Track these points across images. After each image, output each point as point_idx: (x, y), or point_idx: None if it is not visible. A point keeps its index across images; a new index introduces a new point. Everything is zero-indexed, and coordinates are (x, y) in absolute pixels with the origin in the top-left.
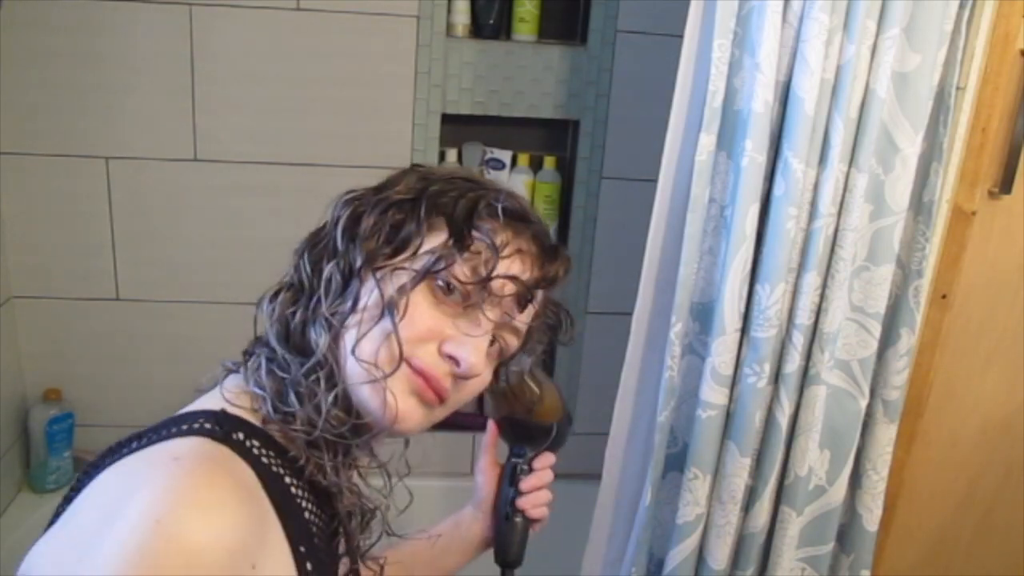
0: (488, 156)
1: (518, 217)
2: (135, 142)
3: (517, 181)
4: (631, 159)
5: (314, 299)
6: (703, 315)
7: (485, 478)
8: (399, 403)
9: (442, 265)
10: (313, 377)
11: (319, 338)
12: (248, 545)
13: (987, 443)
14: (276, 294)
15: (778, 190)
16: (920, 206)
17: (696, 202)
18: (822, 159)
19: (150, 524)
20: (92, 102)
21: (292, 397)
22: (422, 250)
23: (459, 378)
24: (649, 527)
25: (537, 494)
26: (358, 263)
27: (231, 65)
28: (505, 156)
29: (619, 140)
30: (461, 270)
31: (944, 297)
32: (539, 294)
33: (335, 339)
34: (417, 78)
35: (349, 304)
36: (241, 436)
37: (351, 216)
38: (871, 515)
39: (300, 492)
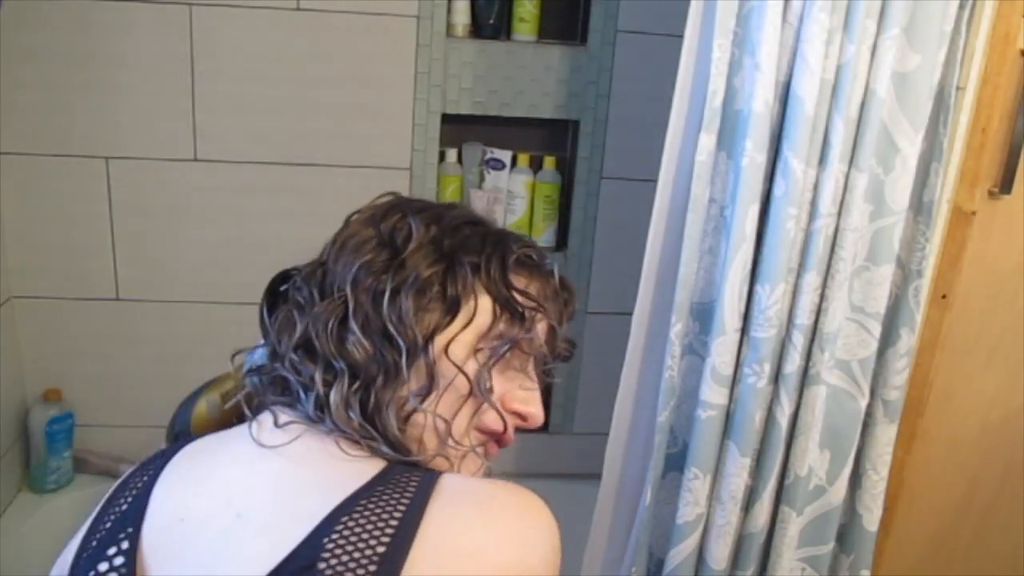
0: (488, 156)
1: (539, 263)
2: (135, 142)
3: (517, 181)
4: (631, 159)
5: (375, 383)
6: (703, 315)
7: None
8: (473, 465)
9: (521, 344)
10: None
11: (391, 427)
12: None
13: (987, 443)
14: (341, 384)
15: (778, 190)
16: (920, 206)
17: (696, 202)
18: (822, 159)
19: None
20: (92, 102)
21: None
22: (478, 315)
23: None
24: (649, 527)
25: None
26: (420, 340)
27: (231, 65)
28: (505, 156)
29: (619, 140)
30: (526, 340)
31: (944, 297)
32: None
33: (406, 421)
34: (417, 78)
35: (419, 384)
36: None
37: (379, 290)
38: (871, 515)
39: None
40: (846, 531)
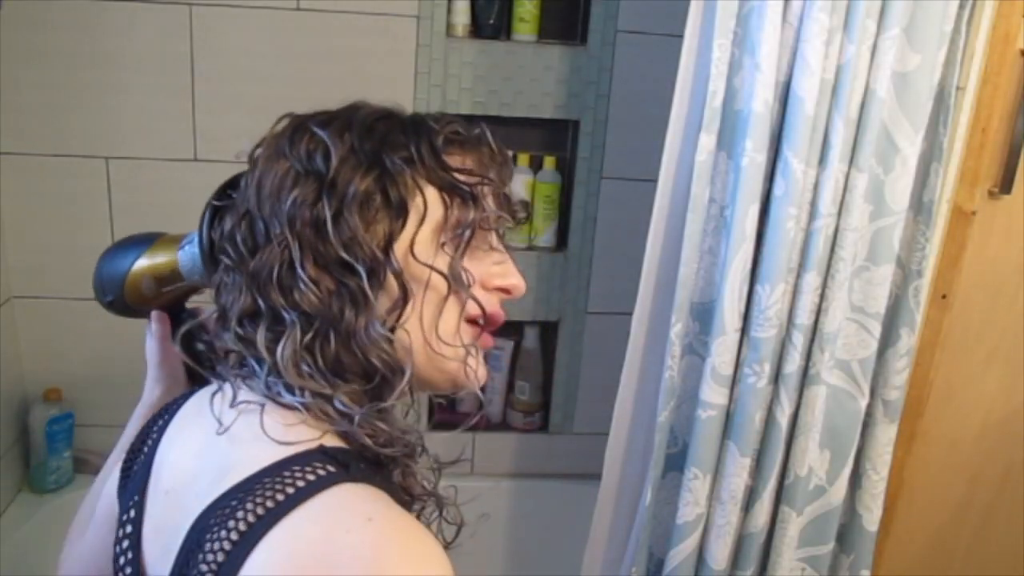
0: None
1: (466, 136)
2: (135, 142)
3: (517, 181)
4: (631, 159)
5: (343, 319)
6: (703, 315)
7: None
8: (480, 366)
9: (480, 223)
10: (388, 392)
11: (376, 352)
12: None
13: (987, 443)
14: (292, 339)
15: (778, 190)
16: (920, 206)
17: (696, 202)
18: (822, 159)
19: None
20: (92, 102)
21: (382, 424)
22: (430, 209)
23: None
24: (649, 527)
25: None
26: (379, 255)
27: (231, 65)
28: None
29: (619, 140)
30: (484, 218)
31: (944, 297)
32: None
33: (391, 343)
34: (417, 78)
35: (392, 301)
36: (360, 466)
37: (320, 220)
38: (871, 515)
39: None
40: (846, 531)
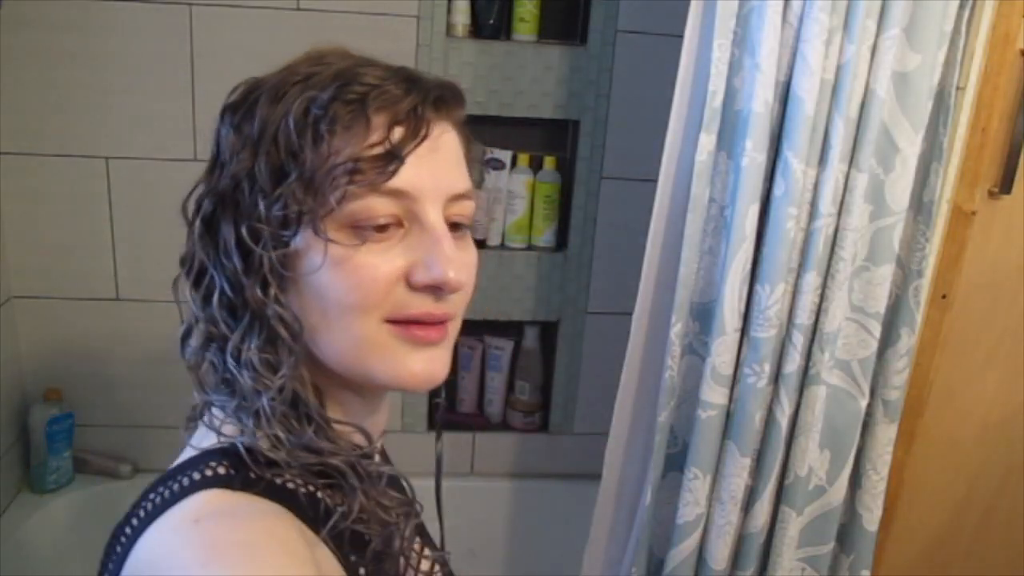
0: (488, 156)
1: (352, 92)
2: (135, 142)
3: (517, 181)
4: (631, 159)
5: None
6: (703, 315)
7: None
8: (413, 366)
9: (328, 203)
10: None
11: (249, 382)
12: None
13: (987, 443)
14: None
15: (778, 190)
16: (920, 206)
17: (696, 202)
18: (822, 159)
19: None
20: (92, 102)
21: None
22: (268, 213)
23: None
24: (649, 527)
25: None
26: (239, 273)
27: (231, 65)
28: (505, 156)
29: (619, 140)
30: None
31: (944, 297)
32: (430, 121)
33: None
34: None
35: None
36: (259, 471)
37: (197, 219)
38: (871, 515)
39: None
40: (846, 531)
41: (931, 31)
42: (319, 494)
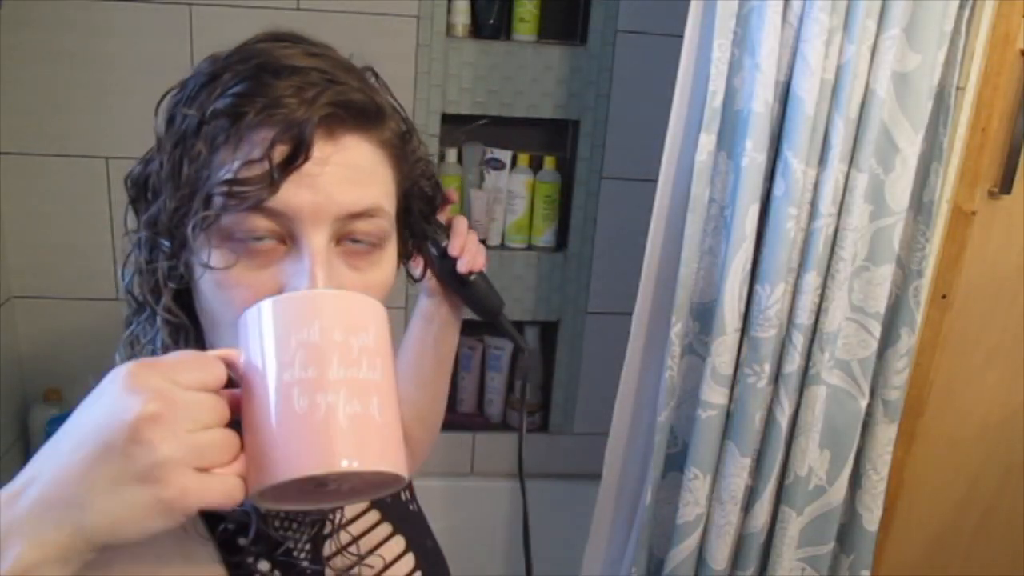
0: (488, 156)
1: (246, 104)
2: (135, 142)
3: (517, 181)
4: (631, 159)
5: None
6: (703, 315)
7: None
8: None
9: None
10: None
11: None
12: None
13: (987, 443)
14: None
15: (778, 190)
16: (920, 206)
17: (696, 202)
18: (822, 159)
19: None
20: (92, 102)
21: None
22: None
23: None
24: (649, 527)
25: (469, 248)
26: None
27: None
28: (505, 156)
29: (619, 140)
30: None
31: (944, 297)
32: (312, 143)
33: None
34: (417, 78)
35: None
36: None
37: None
38: (871, 515)
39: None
40: (846, 531)
41: (931, 31)
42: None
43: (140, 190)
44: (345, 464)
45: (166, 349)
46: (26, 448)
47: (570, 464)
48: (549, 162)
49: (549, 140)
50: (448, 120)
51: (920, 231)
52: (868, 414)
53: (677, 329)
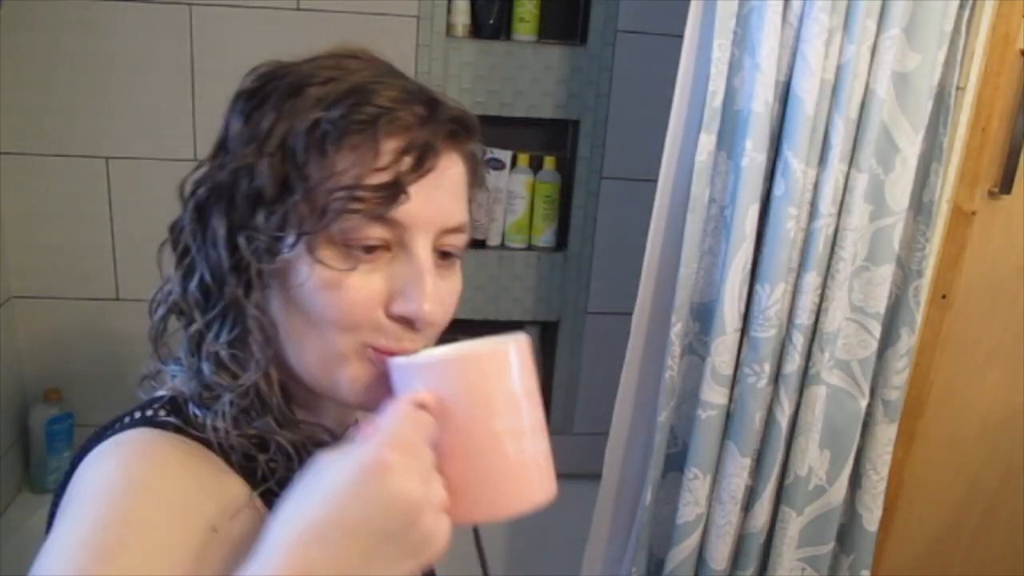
0: (488, 156)
1: (364, 111)
2: (135, 142)
3: (517, 181)
4: (631, 159)
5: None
6: (703, 315)
7: None
8: (371, 394)
9: (326, 221)
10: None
11: (251, 332)
12: (194, 497)
13: (987, 443)
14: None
15: (778, 190)
16: (920, 206)
17: (696, 202)
18: (822, 159)
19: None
20: (92, 102)
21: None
22: (266, 223)
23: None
24: (649, 527)
25: None
26: (225, 269)
27: (231, 65)
28: (505, 156)
29: (619, 140)
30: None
31: (944, 297)
32: (439, 154)
33: (263, 328)
34: (417, 78)
35: (237, 330)
36: (193, 414)
37: (187, 205)
38: (871, 515)
39: (275, 458)
40: (846, 531)
41: (931, 31)
42: (258, 456)
43: (219, 191)
44: (550, 495)
45: (231, 346)
46: (26, 448)
47: (570, 464)
48: (549, 162)
49: (549, 140)
50: None
51: (920, 231)
52: (868, 414)
53: (677, 329)
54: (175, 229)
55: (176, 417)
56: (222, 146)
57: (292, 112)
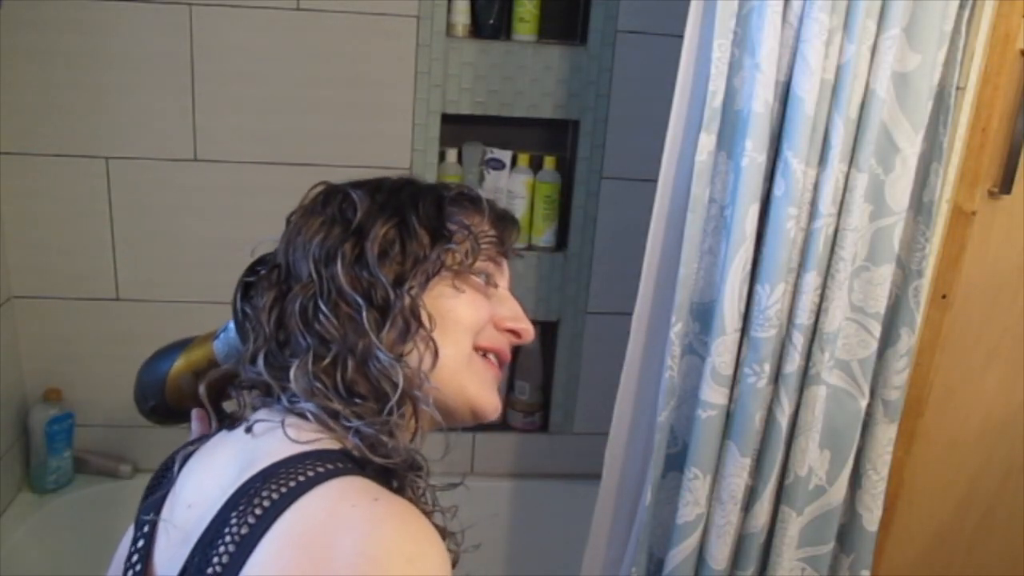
0: (488, 156)
1: (474, 200)
2: (135, 142)
3: (517, 181)
4: (631, 159)
5: (359, 345)
6: (703, 315)
7: None
8: (491, 395)
9: (470, 260)
10: (400, 411)
11: (382, 374)
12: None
13: (987, 443)
14: (304, 364)
15: (778, 190)
16: (920, 206)
17: (696, 202)
18: (822, 159)
19: (402, 563)
20: (92, 102)
21: (386, 438)
22: (431, 257)
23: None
24: (649, 527)
25: None
26: (390, 291)
27: (231, 65)
28: (505, 156)
29: (619, 140)
30: (478, 258)
31: (944, 297)
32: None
33: (397, 368)
34: (417, 78)
35: (403, 328)
36: (373, 471)
37: (339, 256)
38: (871, 515)
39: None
40: (846, 531)
41: (931, 31)
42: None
43: (385, 249)
44: None
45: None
46: (26, 448)
47: (570, 464)
48: (549, 162)
49: (549, 140)
50: (448, 120)
51: (920, 231)
52: (868, 414)
53: (677, 329)
54: (299, 285)
55: (358, 465)
56: (343, 222)
57: (416, 189)
